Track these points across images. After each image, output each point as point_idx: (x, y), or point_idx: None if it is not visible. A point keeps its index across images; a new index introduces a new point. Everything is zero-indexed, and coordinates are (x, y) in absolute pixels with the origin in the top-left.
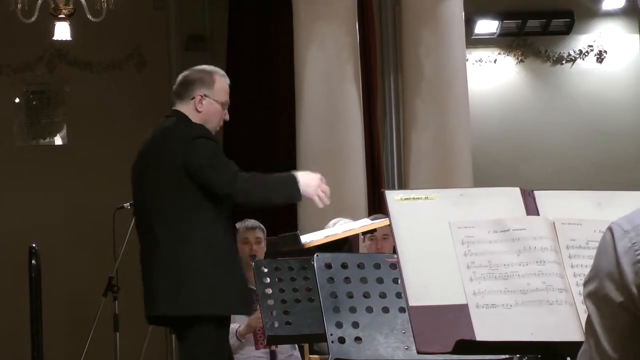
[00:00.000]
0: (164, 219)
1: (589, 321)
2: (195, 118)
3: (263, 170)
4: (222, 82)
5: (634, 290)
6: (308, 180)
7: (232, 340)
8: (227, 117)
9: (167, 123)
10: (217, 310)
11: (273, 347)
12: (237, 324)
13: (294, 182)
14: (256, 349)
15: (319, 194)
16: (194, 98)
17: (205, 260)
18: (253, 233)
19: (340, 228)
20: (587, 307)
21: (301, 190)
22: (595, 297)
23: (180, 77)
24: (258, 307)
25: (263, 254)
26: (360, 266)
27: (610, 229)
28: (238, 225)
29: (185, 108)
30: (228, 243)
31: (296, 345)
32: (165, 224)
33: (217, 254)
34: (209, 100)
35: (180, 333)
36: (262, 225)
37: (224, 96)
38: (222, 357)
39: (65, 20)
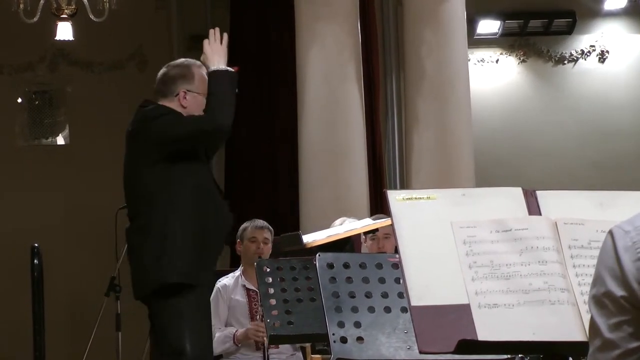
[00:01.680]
0: (137, 197)
1: (592, 323)
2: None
3: (264, 171)
4: (200, 73)
5: (636, 285)
6: (217, 49)
7: (229, 344)
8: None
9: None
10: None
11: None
12: (235, 328)
13: (230, 73)
14: (256, 349)
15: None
16: (177, 94)
17: (167, 231)
18: (261, 233)
19: (342, 228)
20: (590, 310)
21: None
22: (597, 298)
23: (159, 74)
24: (259, 317)
25: (269, 254)
26: (362, 266)
27: (610, 232)
28: (247, 224)
29: (169, 105)
30: (193, 207)
31: (298, 345)
32: (138, 202)
33: (181, 222)
34: (192, 94)
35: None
36: (270, 227)
37: (204, 86)
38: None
39: (67, 21)
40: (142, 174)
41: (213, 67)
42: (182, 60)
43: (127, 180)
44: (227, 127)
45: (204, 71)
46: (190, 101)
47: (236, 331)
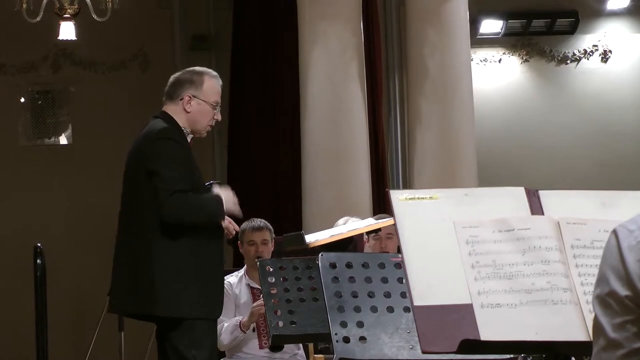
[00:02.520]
0: (137, 217)
1: (596, 323)
2: (183, 118)
3: (267, 171)
4: (212, 82)
5: None
6: (227, 196)
7: (236, 332)
8: (218, 117)
9: (151, 124)
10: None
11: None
12: (240, 316)
13: (220, 204)
14: (260, 347)
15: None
16: (182, 99)
17: (172, 269)
18: (260, 234)
19: (344, 227)
20: (594, 309)
21: (225, 207)
22: (601, 298)
23: (171, 77)
24: (261, 296)
25: (270, 253)
26: (365, 266)
27: (614, 231)
28: (244, 225)
29: (174, 108)
30: (193, 249)
31: (300, 345)
32: (138, 224)
33: (184, 263)
34: (197, 101)
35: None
36: (269, 225)
37: (214, 96)
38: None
39: (70, 20)
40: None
41: (218, 193)
42: (198, 67)
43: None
44: (171, 220)
45: (217, 82)
46: (194, 107)
47: (242, 318)
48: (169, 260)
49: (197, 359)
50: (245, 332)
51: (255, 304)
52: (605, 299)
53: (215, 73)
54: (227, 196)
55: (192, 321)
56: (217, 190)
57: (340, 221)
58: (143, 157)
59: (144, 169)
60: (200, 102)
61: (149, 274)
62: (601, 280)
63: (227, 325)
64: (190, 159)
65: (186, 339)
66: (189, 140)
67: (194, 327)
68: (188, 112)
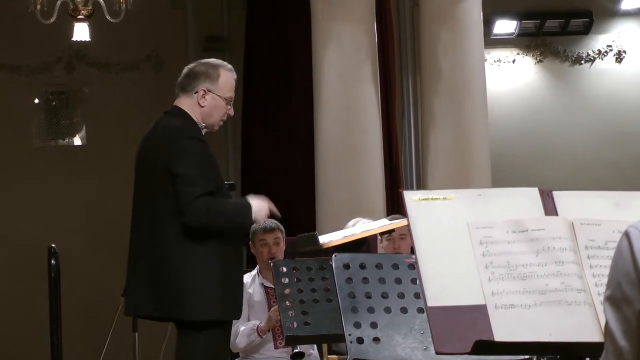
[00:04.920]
0: (158, 219)
1: (606, 326)
2: (196, 112)
3: (280, 172)
4: (227, 76)
5: None
6: (259, 207)
7: (253, 336)
8: (231, 112)
9: (166, 120)
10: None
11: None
12: (257, 320)
13: (249, 209)
14: (275, 348)
15: (266, 216)
16: (197, 92)
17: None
18: (272, 235)
19: (358, 228)
20: (605, 312)
21: (253, 215)
22: (613, 301)
23: (185, 69)
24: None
25: (282, 254)
26: (379, 266)
27: (626, 232)
28: (255, 226)
29: (187, 102)
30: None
31: (314, 345)
32: (159, 226)
33: (200, 264)
34: (212, 95)
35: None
36: (280, 226)
37: (229, 91)
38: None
39: (84, 21)
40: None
41: (251, 201)
42: (214, 60)
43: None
44: (195, 224)
45: (233, 77)
46: (209, 102)
47: (260, 323)
48: (191, 263)
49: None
50: (262, 337)
51: (272, 309)
52: (616, 303)
53: (230, 66)
54: (258, 206)
55: (211, 322)
56: (252, 198)
57: (350, 222)
58: (165, 156)
59: (165, 169)
60: (215, 96)
61: (172, 277)
62: (612, 282)
63: (243, 328)
64: (212, 157)
65: (204, 340)
66: (203, 134)
67: (211, 328)
68: (202, 107)
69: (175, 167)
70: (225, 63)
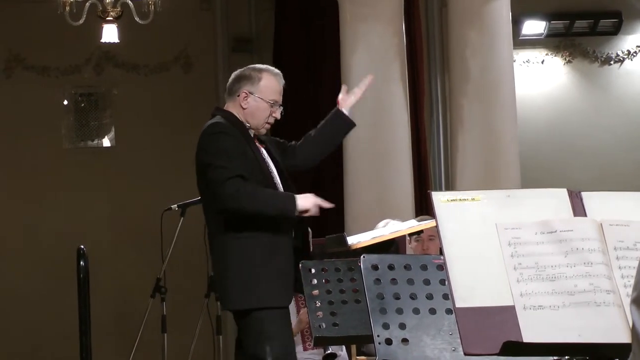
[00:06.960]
0: (206, 216)
1: (633, 328)
2: (241, 113)
3: (309, 173)
4: (270, 80)
5: None
6: (305, 198)
7: None
8: (277, 115)
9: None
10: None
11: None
12: None
13: (292, 198)
14: (304, 350)
15: (316, 208)
16: (239, 95)
17: (236, 260)
18: None
19: (387, 229)
20: (632, 314)
21: (298, 205)
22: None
23: (233, 74)
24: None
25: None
26: (407, 267)
27: None
28: None
29: (231, 104)
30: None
31: (343, 347)
32: (207, 222)
33: (246, 254)
34: (253, 97)
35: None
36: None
37: (272, 94)
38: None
39: (112, 23)
40: None
41: (297, 197)
42: (260, 64)
43: None
44: (229, 207)
45: (277, 80)
46: (251, 104)
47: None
48: (230, 254)
49: (272, 351)
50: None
51: (302, 311)
52: None
53: (277, 71)
54: (304, 202)
55: (262, 312)
56: (298, 196)
57: (381, 224)
58: (198, 152)
59: (200, 164)
60: (256, 99)
61: (216, 269)
62: (639, 285)
63: None
64: (244, 150)
65: (256, 331)
66: (251, 135)
67: (264, 319)
68: (244, 108)
69: (205, 158)
70: (271, 67)
